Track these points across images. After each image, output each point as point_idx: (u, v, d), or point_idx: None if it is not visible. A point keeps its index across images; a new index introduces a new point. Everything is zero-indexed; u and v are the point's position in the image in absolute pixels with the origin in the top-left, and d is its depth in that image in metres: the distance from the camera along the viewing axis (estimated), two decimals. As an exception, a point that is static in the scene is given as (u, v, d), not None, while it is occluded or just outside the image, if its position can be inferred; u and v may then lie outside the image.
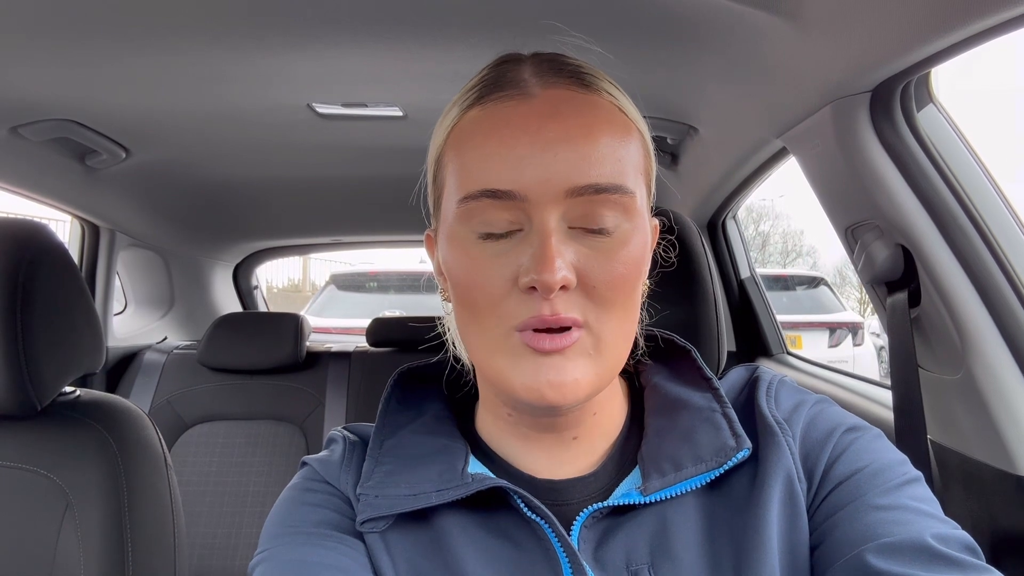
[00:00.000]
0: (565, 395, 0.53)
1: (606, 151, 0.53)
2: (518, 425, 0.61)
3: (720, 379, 0.66)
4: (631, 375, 0.68)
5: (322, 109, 1.46)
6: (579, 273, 0.52)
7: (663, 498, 0.57)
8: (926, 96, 1.02)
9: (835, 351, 6.18)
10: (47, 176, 1.71)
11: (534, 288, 0.51)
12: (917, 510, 0.53)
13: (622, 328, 0.56)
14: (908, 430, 1.05)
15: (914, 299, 1.07)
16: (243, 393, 2.11)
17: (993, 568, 0.50)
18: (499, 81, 0.56)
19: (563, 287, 0.51)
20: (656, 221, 0.63)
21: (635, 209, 0.55)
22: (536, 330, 0.52)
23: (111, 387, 2.18)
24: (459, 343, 0.67)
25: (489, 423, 0.64)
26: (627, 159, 0.55)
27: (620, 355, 0.57)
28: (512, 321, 0.53)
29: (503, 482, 0.57)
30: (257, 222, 2.64)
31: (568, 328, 0.53)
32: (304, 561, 0.55)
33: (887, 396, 1.28)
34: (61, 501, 0.97)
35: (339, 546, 0.57)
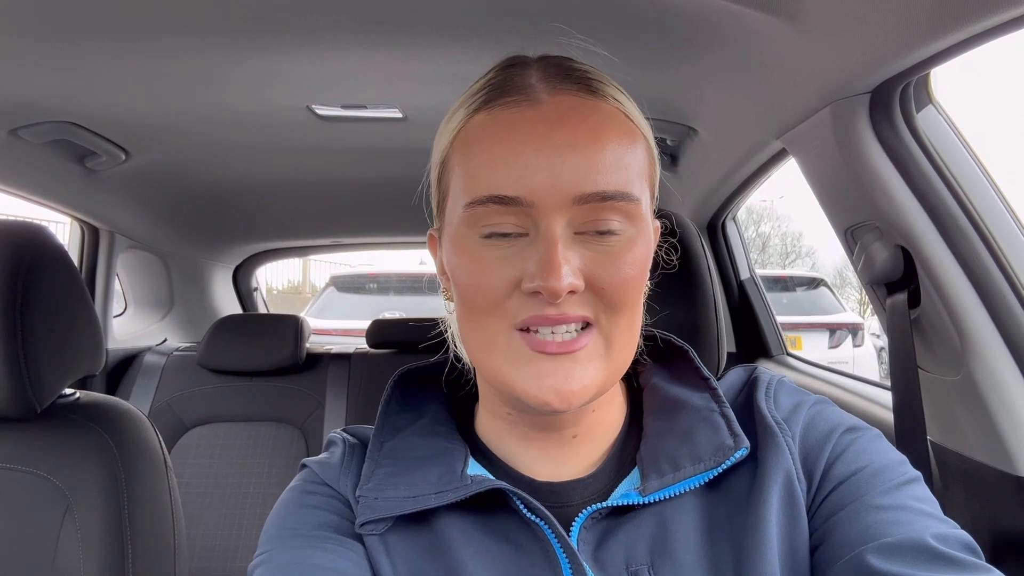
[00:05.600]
0: (571, 402, 0.53)
1: (613, 158, 0.53)
2: (517, 424, 0.61)
3: (718, 380, 0.66)
4: (630, 376, 0.68)
5: (321, 111, 1.46)
6: (587, 277, 0.53)
7: (662, 498, 0.57)
8: (925, 97, 1.02)
9: (835, 352, 6.18)
10: (47, 178, 1.71)
11: (538, 293, 0.51)
12: (917, 510, 0.53)
13: (630, 330, 0.56)
14: (908, 431, 1.05)
15: (914, 300, 1.07)
16: (243, 395, 2.11)
17: (993, 568, 0.50)
18: (506, 86, 0.56)
19: (571, 292, 0.51)
20: (658, 223, 0.63)
21: (640, 215, 0.55)
22: (539, 331, 0.53)
23: (111, 389, 2.18)
24: (460, 343, 0.67)
25: (488, 424, 0.64)
26: (633, 166, 0.55)
27: (627, 357, 0.57)
28: (513, 319, 0.53)
29: (502, 484, 0.57)
30: (257, 224, 2.64)
31: (583, 327, 0.53)
32: (303, 563, 0.55)
33: (887, 397, 1.27)
34: (61, 503, 0.97)
35: (338, 548, 0.57)
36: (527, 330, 0.54)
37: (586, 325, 0.54)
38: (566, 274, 0.51)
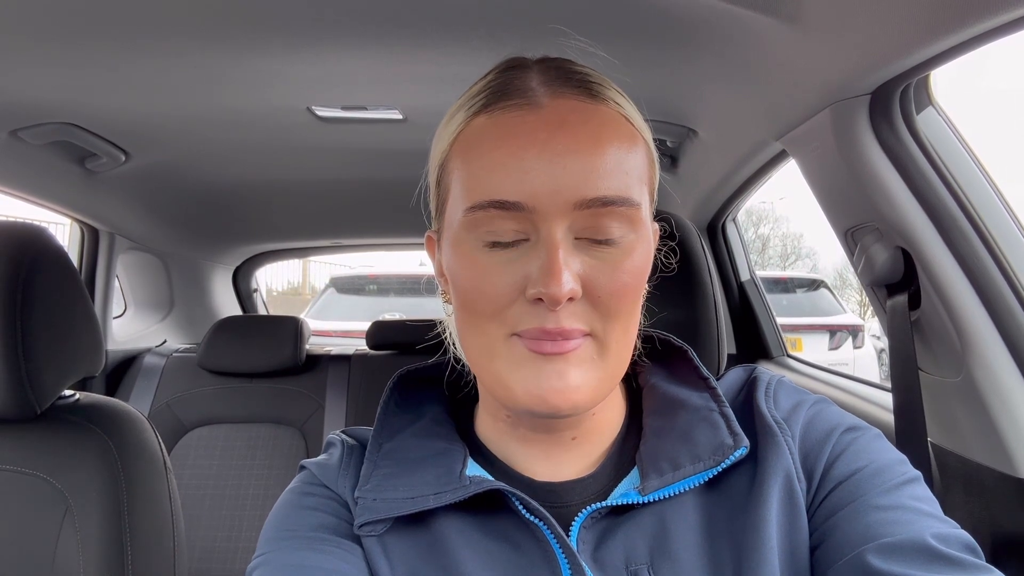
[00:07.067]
0: (570, 398, 0.53)
1: (613, 163, 0.53)
2: (517, 427, 0.61)
3: (718, 380, 0.66)
4: (628, 376, 0.68)
5: (322, 112, 1.46)
6: (585, 284, 0.52)
7: (662, 497, 0.57)
8: (925, 98, 1.02)
9: (835, 354, 6.18)
10: (47, 179, 1.71)
11: (540, 299, 0.51)
12: (917, 510, 0.53)
13: (626, 336, 0.56)
14: (908, 432, 1.05)
15: (914, 301, 1.06)
16: (243, 396, 2.11)
17: (993, 568, 0.50)
18: (506, 89, 0.56)
19: (570, 298, 0.51)
20: (657, 226, 0.63)
21: (640, 220, 0.55)
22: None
23: (110, 390, 2.18)
24: (459, 345, 0.67)
25: (488, 425, 0.64)
26: (633, 170, 0.55)
27: (623, 362, 0.57)
28: (514, 327, 0.53)
29: (501, 484, 0.57)
30: (257, 225, 2.64)
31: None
32: (302, 565, 0.55)
33: (887, 399, 1.27)
34: (61, 505, 0.96)
35: (337, 550, 0.57)
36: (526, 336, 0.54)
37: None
38: (567, 280, 0.50)
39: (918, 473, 0.57)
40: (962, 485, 1.04)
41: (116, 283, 2.34)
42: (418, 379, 0.70)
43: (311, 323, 2.65)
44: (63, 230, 2.48)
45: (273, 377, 2.14)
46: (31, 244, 1.00)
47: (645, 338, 0.67)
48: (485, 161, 0.54)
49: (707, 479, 0.58)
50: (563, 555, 0.55)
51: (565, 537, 0.55)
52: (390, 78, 1.28)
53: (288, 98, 1.37)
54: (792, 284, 6.93)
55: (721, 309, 0.91)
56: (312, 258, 11.61)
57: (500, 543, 0.57)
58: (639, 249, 0.55)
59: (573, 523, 0.57)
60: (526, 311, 0.53)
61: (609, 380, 0.56)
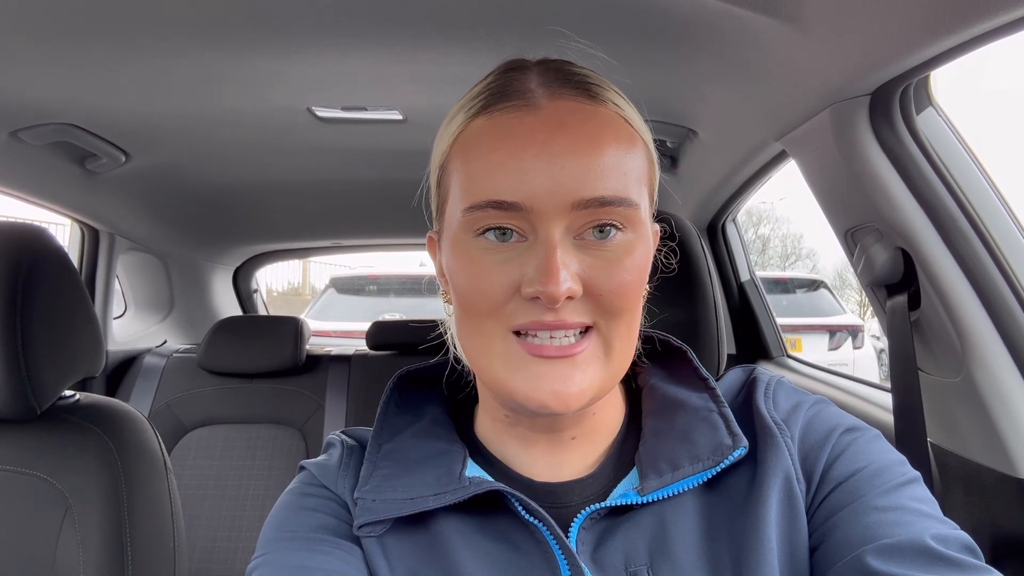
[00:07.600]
0: (569, 404, 0.53)
1: (611, 164, 0.53)
2: (516, 426, 0.61)
3: (717, 380, 0.66)
4: (628, 376, 0.68)
5: (322, 113, 1.46)
6: (585, 282, 0.53)
7: (661, 498, 0.57)
8: (925, 99, 1.02)
9: (835, 354, 6.18)
10: (47, 180, 1.72)
11: (537, 298, 0.51)
12: (916, 511, 0.54)
13: (629, 334, 0.56)
14: (908, 433, 1.05)
15: (914, 302, 1.06)
16: (243, 397, 2.11)
17: (993, 568, 0.50)
18: (505, 90, 0.56)
19: (569, 297, 0.51)
20: (657, 227, 0.63)
21: (639, 219, 0.55)
22: (537, 335, 0.53)
23: (111, 391, 2.18)
24: (460, 345, 0.67)
25: (488, 425, 0.64)
26: (632, 171, 0.55)
27: (626, 360, 0.57)
28: (511, 323, 0.53)
29: (500, 485, 0.57)
30: (257, 226, 2.64)
31: (583, 331, 0.53)
32: (301, 566, 0.55)
33: (887, 399, 1.27)
34: (61, 505, 0.96)
35: (336, 551, 0.57)
36: (525, 335, 0.54)
37: (586, 329, 0.54)
38: (564, 279, 0.51)
39: (917, 474, 0.57)
40: (962, 485, 1.04)
41: (116, 283, 2.34)
42: (418, 380, 0.70)
43: (311, 323, 2.65)
44: (63, 230, 2.48)
45: (273, 377, 2.14)
46: (31, 244, 1.00)
47: (645, 339, 0.67)
48: (484, 162, 0.54)
49: (706, 479, 0.58)
50: (562, 556, 0.55)
51: (564, 538, 0.55)
52: (390, 78, 1.28)
53: (288, 98, 1.37)
54: (792, 284, 6.93)
55: (721, 309, 0.91)
56: (312, 258, 11.60)
57: (499, 544, 0.57)
58: (639, 248, 0.55)
59: (572, 524, 0.57)
60: (522, 307, 0.53)
61: (611, 380, 0.56)
